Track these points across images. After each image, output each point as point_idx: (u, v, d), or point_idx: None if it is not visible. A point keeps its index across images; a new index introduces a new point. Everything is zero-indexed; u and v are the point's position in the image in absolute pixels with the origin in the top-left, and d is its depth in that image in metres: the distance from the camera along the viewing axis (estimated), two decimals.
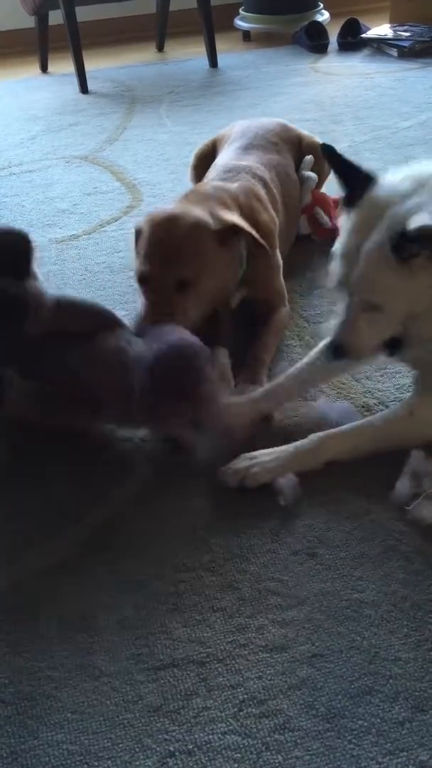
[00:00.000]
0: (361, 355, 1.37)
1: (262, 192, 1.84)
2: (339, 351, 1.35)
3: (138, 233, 1.66)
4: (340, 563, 1.22)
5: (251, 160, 1.95)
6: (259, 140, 2.06)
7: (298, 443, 1.39)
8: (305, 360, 1.58)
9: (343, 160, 1.34)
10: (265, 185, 1.89)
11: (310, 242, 2.13)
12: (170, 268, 1.55)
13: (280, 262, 1.84)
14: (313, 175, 2.12)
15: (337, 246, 1.32)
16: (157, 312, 1.52)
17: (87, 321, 1.45)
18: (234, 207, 1.71)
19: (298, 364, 1.57)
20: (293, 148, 2.13)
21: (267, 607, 1.16)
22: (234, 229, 1.62)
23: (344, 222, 1.32)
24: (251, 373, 1.61)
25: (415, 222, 1.18)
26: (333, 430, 1.40)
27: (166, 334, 1.43)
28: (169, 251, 1.56)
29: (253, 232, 1.65)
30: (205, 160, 2.20)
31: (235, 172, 1.87)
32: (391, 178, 1.30)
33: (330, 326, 1.37)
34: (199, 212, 1.62)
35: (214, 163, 2.06)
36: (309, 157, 2.13)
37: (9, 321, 1.39)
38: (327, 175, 2.15)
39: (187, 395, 1.37)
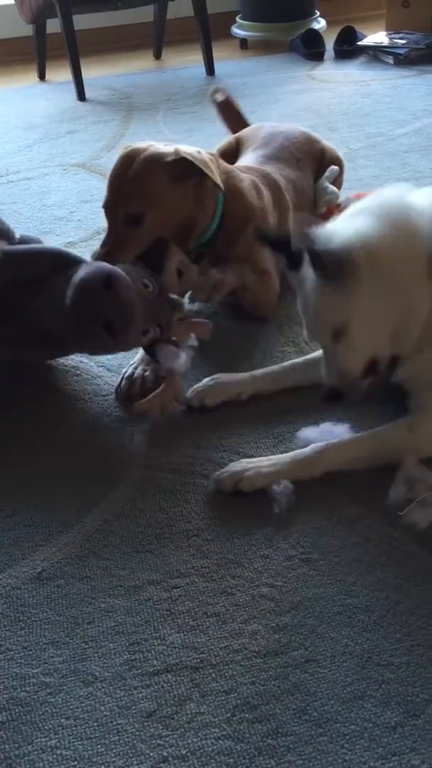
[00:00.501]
0: (353, 385, 1.38)
1: (264, 189, 1.87)
2: (333, 394, 1.38)
3: None
4: (334, 569, 1.23)
5: (270, 170, 1.98)
6: (283, 152, 2.07)
7: (297, 452, 1.40)
8: (305, 357, 1.66)
9: (273, 239, 1.47)
10: (277, 189, 1.92)
11: None
12: (121, 201, 1.63)
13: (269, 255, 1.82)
14: (334, 190, 2.12)
15: (298, 305, 1.41)
16: (110, 244, 1.62)
17: (39, 266, 1.59)
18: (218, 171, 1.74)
19: (300, 358, 1.66)
20: (314, 161, 2.15)
21: (261, 613, 1.17)
22: (186, 163, 1.63)
23: (295, 283, 1.40)
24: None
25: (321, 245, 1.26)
26: (333, 442, 1.40)
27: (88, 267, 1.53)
28: (122, 184, 1.63)
29: (203, 167, 1.65)
30: (225, 158, 2.22)
31: (252, 172, 1.91)
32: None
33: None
34: (160, 147, 1.66)
35: (236, 164, 2.09)
36: (334, 168, 2.14)
37: None
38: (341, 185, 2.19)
39: (85, 313, 1.47)
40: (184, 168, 1.63)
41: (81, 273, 1.50)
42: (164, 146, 1.69)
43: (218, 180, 1.70)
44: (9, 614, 1.19)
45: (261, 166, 2.01)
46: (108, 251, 1.61)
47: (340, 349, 1.35)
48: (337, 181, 2.17)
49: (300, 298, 1.40)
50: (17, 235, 1.69)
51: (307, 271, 1.34)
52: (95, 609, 1.19)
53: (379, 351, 1.37)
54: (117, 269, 1.51)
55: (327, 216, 2.11)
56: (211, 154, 1.79)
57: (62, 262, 1.59)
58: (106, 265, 1.53)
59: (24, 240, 1.70)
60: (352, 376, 1.37)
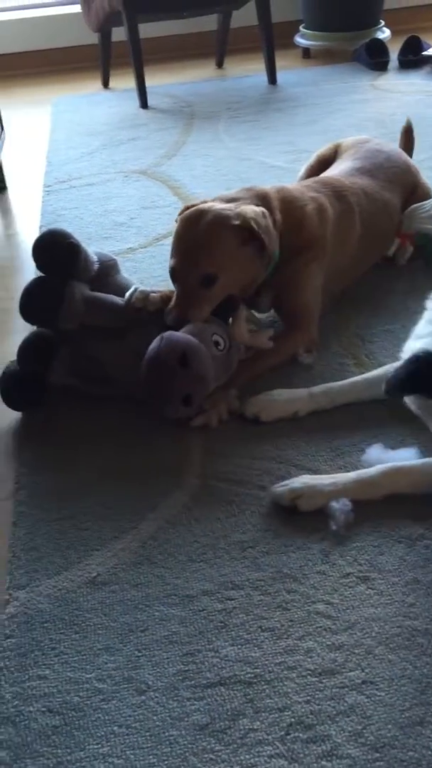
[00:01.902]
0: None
1: (329, 211, 1.85)
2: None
3: None
4: (392, 588, 1.20)
5: (357, 185, 1.97)
6: (379, 171, 2.06)
7: (360, 472, 1.38)
8: (365, 376, 1.63)
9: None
10: (348, 213, 1.90)
11: (379, 265, 2.10)
12: (194, 264, 1.61)
13: (318, 280, 1.81)
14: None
15: None
16: (182, 305, 1.60)
17: (114, 316, 1.63)
18: (274, 207, 1.73)
19: (360, 377, 1.63)
20: (405, 191, 2.12)
21: (316, 630, 1.15)
22: (251, 228, 1.63)
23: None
24: (231, 378, 1.64)
25: None
26: (399, 464, 1.37)
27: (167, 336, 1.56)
28: (193, 247, 1.62)
29: (265, 237, 1.64)
30: (322, 164, 2.23)
31: (328, 188, 1.90)
32: None
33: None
34: (223, 208, 1.65)
35: (327, 171, 2.10)
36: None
37: (47, 316, 1.62)
38: None
39: (162, 390, 1.52)
40: (249, 231, 1.63)
41: (156, 347, 1.52)
42: (226, 205, 1.68)
43: (275, 247, 1.69)
44: (64, 617, 1.20)
45: (351, 178, 2.00)
46: (181, 312, 1.60)
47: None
48: None
49: None
50: (95, 257, 1.70)
51: None
52: (149, 617, 1.19)
53: None
54: (192, 342, 1.52)
55: (402, 244, 2.10)
56: (264, 195, 1.76)
57: (138, 319, 1.62)
58: (180, 338, 1.53)
59: (101, 260, 1.70)
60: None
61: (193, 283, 1.61)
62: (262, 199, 1.75)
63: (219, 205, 1.68)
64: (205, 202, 1.72)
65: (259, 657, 1.11)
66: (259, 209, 1.69)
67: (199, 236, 1.62)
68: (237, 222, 1.62)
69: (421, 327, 1.48)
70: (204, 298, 1.62)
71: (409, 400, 1.44)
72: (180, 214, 1.72)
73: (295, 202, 1.81)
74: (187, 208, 1.72)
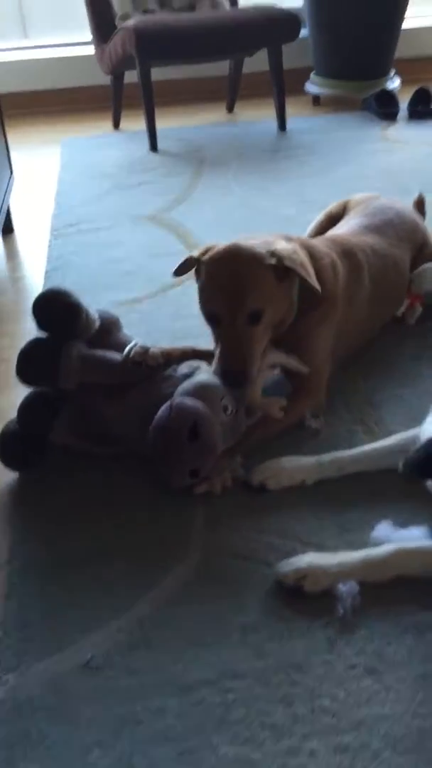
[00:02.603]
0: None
1: (341, 268, 1.82)
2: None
3: (191, 264, 1.68)
4: (401, 683, 1.14)
5: (366, 242, 1.94)
6: (388, 228, 2.04)
7: (368, 551, 1.33)
8: (374, 446, 1.58)
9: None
10: (357, 270, 1.87)
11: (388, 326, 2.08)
12: (239, 302, 1.57)
13: (328, 341, 1.78)
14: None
15: None
16: (233, 350, 1.56)
17: (112, 373, 1.60)
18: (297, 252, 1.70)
19: (369, 446, 1.58)
20: (414, 249, 2.10)
21: (321, 728, 1.09)
22: (286, 268, 1.60)
23: None
24: (236, 444, 1.59)
25: None
26: (409, 545, 1.32)
27: (181, 392, 1.54)
28: (234, 285, 1.58)
29: (306, 273, 1.63)
30: (331, 221, 2.22)
31: (337, 247, 1.87)
32: None
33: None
34: (253, 245, 1.63)
35: (335, 228, 2.08)
36: None
37: (45, 375, 1.59)
38: None
39: (170, 460, 1.49)
40: (284, 268, 1.61)
41: (167, 416, 1.48)
42: (254, 242, 1.65)
43: (316, 284, 1.66)
44: (54, 706, 1.14)
45: (359, 236, 1.97)
46: (239, 361, 1.55)
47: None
48: None
49: None
50: (96, 314, 1.66)
51: None
52: (144, 708, 1.13)
53: None
54: (202, 412, 1.48)
55: (412, 304, 2.07)
56: (288, 239, 1.74)
57: (140, 374, 1.61)
58: (191, 408, 1.48)
59: (102, 318, 1.67)
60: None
61: (240, 323, 1.57)
62: (289, 242, 1.72)
63: (246, 243, 1.64)
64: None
65: (260, 759, 1.05)
66: (291, 245, 1.67)
67: (240, 274, 1.58)
68: (272, 261, 1.60)
69: None
70: (254, 338, 1.58)
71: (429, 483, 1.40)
72: (201, 256, 1.65)
73: (314, 255, 1.77)
74: (207, 250, 1.67)
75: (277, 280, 1.61)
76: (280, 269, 1.61)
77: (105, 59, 3.88)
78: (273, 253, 1.60)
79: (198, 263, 1.66)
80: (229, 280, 1.58)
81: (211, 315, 1.60)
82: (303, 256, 1.69)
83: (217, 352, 1.58)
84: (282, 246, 1.64)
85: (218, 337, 1.60)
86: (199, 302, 1.64)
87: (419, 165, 3.34)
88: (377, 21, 4.05)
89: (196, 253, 1.68)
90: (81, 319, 1.59)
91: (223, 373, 1.56)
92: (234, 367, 1.55)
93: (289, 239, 1.74)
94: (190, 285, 2.36)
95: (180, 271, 1.72)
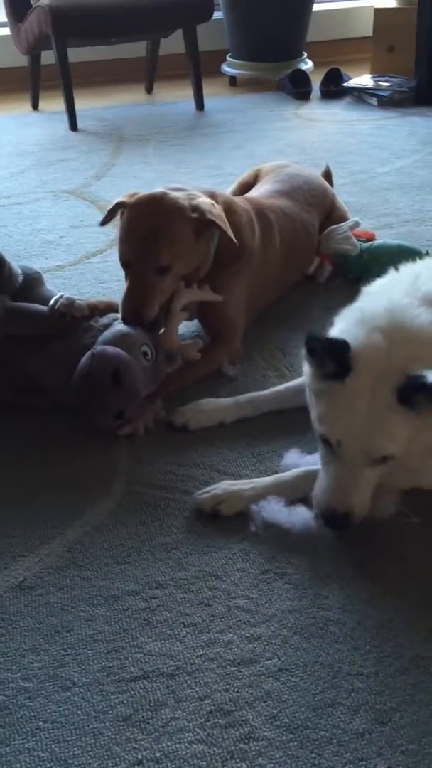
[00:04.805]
0: (363, 517, 1.30)
1: (256, 226, 1.93)
2: (344, 522, 1.28)
3: (119, 207, 1.74)
4: (308, 583, 1.27)
5: (276, 205, 2.05)
6: (297, 193, 2.16)
7: (278, 476, 1.45)
8: (287, 385, 1.70)
9: (320, 350, 1.26)
10: (268, 229, 1.97)
11: (299, 283, 2.20)
12: (149, 253, 1.64)
13: (243, 294, 1.88)
14: (353, 244, 2.18)
15: (335, 405, 1.27)
16: (135, 296, 1.64)
17: (38, 324, 1.66)
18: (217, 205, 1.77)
19: (282, 386, 1.70)
20: (323, 214, 2.23)
21: (236, 623, 1.20)
22: (208, 222, 1.68)
23: (337, 393, 1.26)
24: (157, 389, 1.69)
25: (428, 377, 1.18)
26: (313, 467, 1.43)
27: (101, 341, 1.62)
28: (149, 235, 1.65)
29: (226, 227, 1.71)
30: (244, 189, 2.32)
31: (251, 204, 1.97)
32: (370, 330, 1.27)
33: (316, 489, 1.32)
34: (178, 197, 1.69)
35: (248, 194, 2.17)
36: (356, 220, 2.23)
37: None
38: None
39: (95, 405, 1.57)
40: (204, 223, 1.69)
41: (89, 364, 1.56)
42: (179, 193, 1.72)
43: (233, 237, 1.74)
44: None
45: (270, 199, 2.08)
46: (136, 306, 1.64)
47: (364, 480, 1.27)
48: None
49: (347, 407, 1.25)
50: (19, 269, 1.73)
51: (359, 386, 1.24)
52: (75, 617, 1.22)
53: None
54: (123, 358, 1.56)
55: (321, 263, 2.21)
56: (212, 194, 1.83)
57: (65, 325, 1.67)
58: (112, 354, 1.57)
59: (25, 273, 1.74)
60: (365, 512, 1.30)
61: (147, 272, 1.64)
62: (209, 196, 1.80)
63: (173, 193, 1.71)
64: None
65: (181, 650, 1.16)
66: (210, 200, 1.74)
67: (156, 225, 1.65)
68: (194, 215, 1.67)
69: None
70: (157, 288, 1.65)
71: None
72: (128, 200, 1.71)
73: (232, 210, 1.87)
74: (133, 194, 1.73)
75: (194, 235, 1.69)
76: (200, 224, 1.69)
77: (21, 39, 3.89)
78: (195, 207, 1.68)
79: (124, 207, 1.73)
80: (146, 229, 1.66)
81: (124, 259, 1.69)
82: (221, 212, 1.77)
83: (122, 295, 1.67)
84: (203, 200, 1.73)
85: (126, 280, 1.68)
86: (118, 245, 1.72)
87: (330, 140, 3.50)
88: (290, 4, 4.19)
89: (124, 197, 1.75)
90: (4, 272, 1.66)
91: (122, 316, 1.66)
92: (130, 311, 1.65)
93: (212, 194, 1.83)
94: (110, 254, 2.46)
95: (108, 217, 1.79)
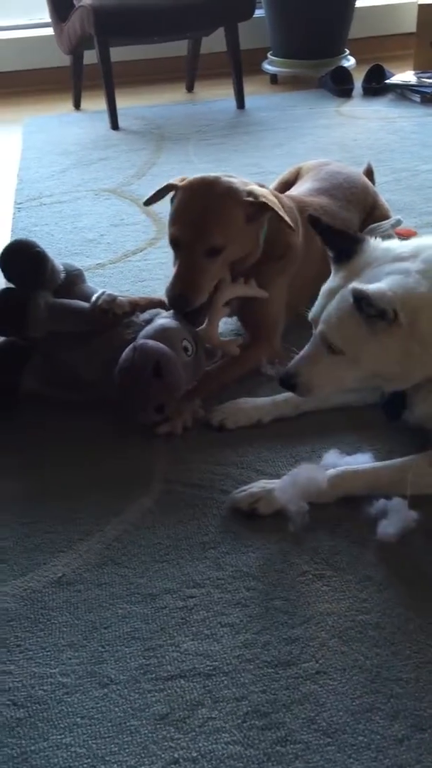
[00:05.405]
0: (310, 393, 1.46)
1: (299, 220, 1.91)
2: (288, 382, 1.44)
3: (169, 189, 1.75)
4: (347, 585, 1.26)
5: (316, 203, 2.03)
6: (337, 191, 2.14)
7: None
8: None
9: (327, 227, 1.48)
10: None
11: None
12: (202, 233, 1.63)
13: (284, 293, 1.87)
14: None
15: (325, 285, 1.45)
16: (185, 279, 1.63)
17: (80, 320, 1.66)
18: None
19: None
20: (363, 211, 2.21)
21: (274, 625, 1.20)
22: (262, 206, 1.68)
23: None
24: (196, 388, 1.67)
25: (371, 288, 1.30)
26: (351, 468, 1.43)
27: (143, 336, 1.62)
28: (201, 216, 1.64)
29: (280, 211, 1.70)
30: (284, 187, 2.31)
31: (294, 203, 1.97)
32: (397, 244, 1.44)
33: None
34: (233, 181, 1.69)
35: (288, 192, 2.16)
36: (399, 219, 2.22)
37: (14, 325, 1.66)
38: None
39: (136, 398, 1.57)
40: (257, 208, 1.68)
41: (131, 357, 1.56)
42: (233, 179, 1.72)
43: (290, 223, 1.73)
44: (30, 616, 1.23)
45: (310, 197, 2.07)
46: (185, 289, 1.63)
47: (322, 362, 1.41)
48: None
49: (330, 280, 1.45)
50: (61, 267, 1.74)
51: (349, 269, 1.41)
52: (112, 614, 1.23)
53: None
54: (165, 352, 1.56)
55: None
56: (262, 186, 1.82)
57: (106, 322, 1.67)
58: (154, 348, 1.57)
59: (67, 270, 1.75)
60: (315, 391, 1.45)
61: (197, 254, 1.64)
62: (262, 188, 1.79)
63: (226, 177, 1.71)
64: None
65: (218, 650, 1.16)
66: (265, 189, 1.73)
67: (209, 205, 1.64)
68: (249, 198, 1.66)
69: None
70: (207, 272, 1.64)
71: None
72: (179, 183, 1.72)
73: (281, 206, 1.85)
74: (183, 179, 1.74)
75: (246, 220, 1.68)
76: (252, 209, 1.67)
77: (64, 39, 3.93)
78: (250, 192, 1.68)
79: (175, 189, 1.73)
80: (199, 210, 1.65)
81: (175, 240, 1.68)
82: (274, 198, 1.76)
83: (170, 278, 1.66)
84: (258, 188, 1.73)
85: (175, 262, 1.67)
86: (168, 226, 1.71)
87: (371, 137, 3.46)
88: (333, 1, 4.16)
89: (174, 180, 1.75)
90: (47, 269, 1.67)
91: (169, 298, 1.64)
92: (179, 291, 1.63)
93: (261, 187, 1.82)
94: (150, 252, 2.47)
95: (155, 197, 1.79)
